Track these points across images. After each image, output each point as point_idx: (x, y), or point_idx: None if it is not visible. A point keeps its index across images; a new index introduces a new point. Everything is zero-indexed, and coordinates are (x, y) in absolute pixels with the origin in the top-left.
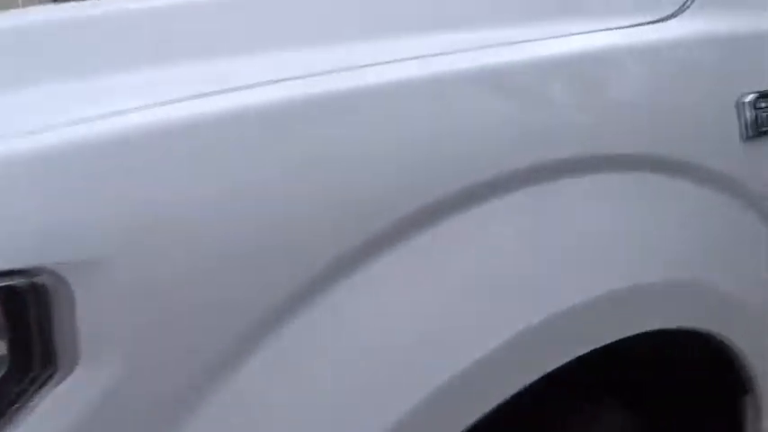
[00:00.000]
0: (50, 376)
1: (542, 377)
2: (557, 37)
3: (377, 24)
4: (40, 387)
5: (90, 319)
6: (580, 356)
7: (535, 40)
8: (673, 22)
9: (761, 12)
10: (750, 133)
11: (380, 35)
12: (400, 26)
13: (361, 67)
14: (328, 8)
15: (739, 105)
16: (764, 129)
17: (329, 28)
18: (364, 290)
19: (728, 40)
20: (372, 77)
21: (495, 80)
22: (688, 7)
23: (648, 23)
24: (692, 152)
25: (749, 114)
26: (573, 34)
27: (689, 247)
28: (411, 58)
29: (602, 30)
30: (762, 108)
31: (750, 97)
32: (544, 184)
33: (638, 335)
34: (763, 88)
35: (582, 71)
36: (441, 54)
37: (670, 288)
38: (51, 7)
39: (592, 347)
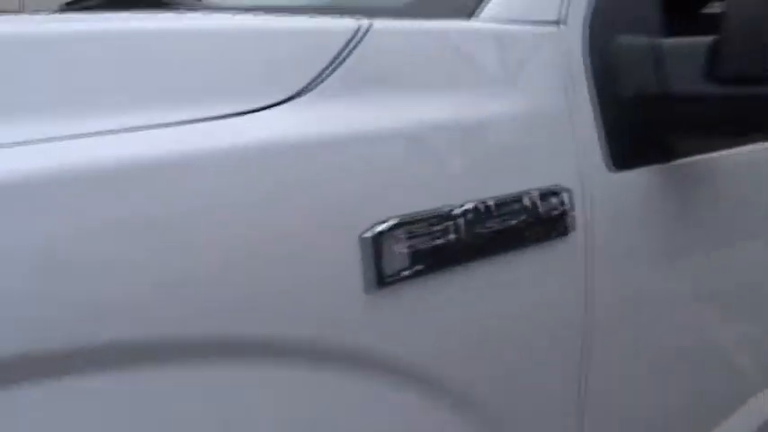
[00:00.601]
0: None
1: None
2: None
3: None
4: None
5: None
6: None
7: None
8: (277, 111)
9: (431, 94)
10: (382, 281)
11: None
12: None
13: None
14: None
15: (364, 242)
16: (405, 273)
17: None
18: None
19: (351, 142)
20: None
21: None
22: (312, 88)
23: (238, 115)
24: (294, 324)
25: (379, 254)
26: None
27: None
28: None
29: (148, 126)
30: (398, 243)
31: (381, 228)
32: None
33: None
34: (401, 213)
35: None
36: None
37: None
38: None
39: None
